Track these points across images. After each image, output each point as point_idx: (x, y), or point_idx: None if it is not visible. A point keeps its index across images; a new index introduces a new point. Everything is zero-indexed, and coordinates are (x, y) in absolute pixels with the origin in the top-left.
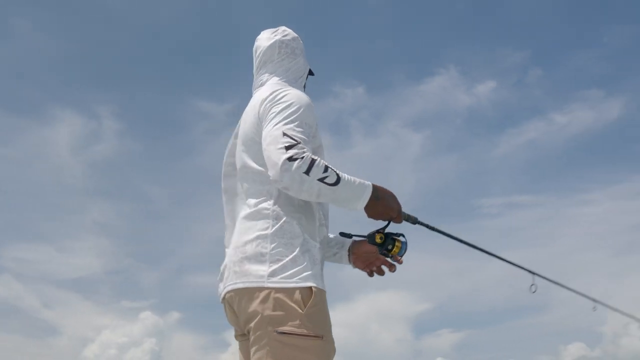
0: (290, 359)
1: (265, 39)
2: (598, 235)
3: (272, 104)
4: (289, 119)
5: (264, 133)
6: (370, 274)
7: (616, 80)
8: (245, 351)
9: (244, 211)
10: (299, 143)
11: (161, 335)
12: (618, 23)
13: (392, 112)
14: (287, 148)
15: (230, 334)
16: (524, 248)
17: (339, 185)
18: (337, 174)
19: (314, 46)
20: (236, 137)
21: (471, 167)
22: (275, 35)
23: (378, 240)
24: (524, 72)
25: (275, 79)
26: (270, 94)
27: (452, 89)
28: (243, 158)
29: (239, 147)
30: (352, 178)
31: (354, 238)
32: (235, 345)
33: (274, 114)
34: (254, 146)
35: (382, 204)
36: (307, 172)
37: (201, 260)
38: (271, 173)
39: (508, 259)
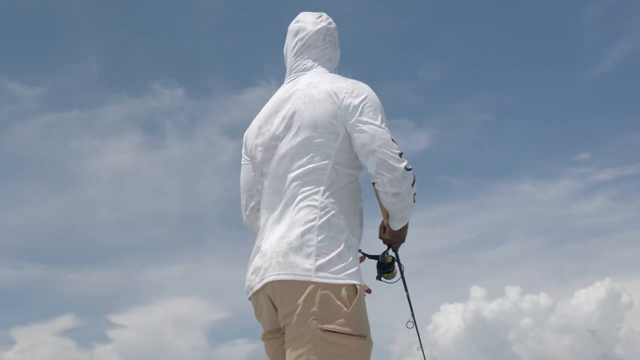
0: (334, 357)
1: (312, 22)
2: None
3: (364, 100)
4: (385, 122)
5: (365, 130)
6: None
7: (426, 113)
8: (274, 350)
9: (290, 200)
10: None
11: None
12: (434, 60)
13: (210, 117)
14: (401, 155)
15: (18, 331)
16: None
17: (414, 203)
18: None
19: (134, 41)
20: (268, 120)
21: None
22: (321, 21)
23: (389, 260)
24: None
25: (321, 69)
26: (351, 86)
27: None
28: (303, 144)
29: (297, 133)
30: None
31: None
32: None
33: (370, 112)
34: (326, 135)
35: (405, 230)
36: (412, 184)
37: None
38: (389, 175)
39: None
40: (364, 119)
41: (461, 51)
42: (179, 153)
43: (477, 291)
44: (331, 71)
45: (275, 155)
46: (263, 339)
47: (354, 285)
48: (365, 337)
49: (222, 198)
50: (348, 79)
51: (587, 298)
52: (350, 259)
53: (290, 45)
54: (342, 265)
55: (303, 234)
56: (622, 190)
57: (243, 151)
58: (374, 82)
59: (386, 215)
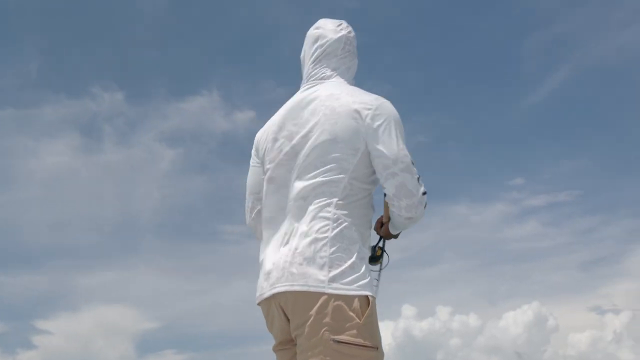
0: None
1: (332, 30)
2: None
3: (386, 120)
4: (404, 142)
5: (388, 152)
6: None
7: None
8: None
9: (302, 210)
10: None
11: None
12: (376, 79)
13: (149, 124)
14: (419, 179)
15: None
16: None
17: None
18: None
19: (76, 42)
20: (283, 126)
21: (219, 192)
22: (341, 30)
23: (378, 253)
24: None
25: (340, 79)
26: (374, 102)
27: (212, 111)
28: (321, 156)
29: (315, 144)
30: None
31: None
32: None
33: (392, 133)
34: (345, 150)
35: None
36: (425, 206)
37: None
38: (407, 201)
39: None
40: (386, 140)
41: (403, 72)
42: (116, 158)
43: (408, 310)
44: (349, 81)
45: (290, 163)
46: (275, 350)
47: (367, 296)
48: (377, 348)
49: (159, 206)
50: (370, 94)
51: (515, 320)
52: (363, 269)
53: (308, 51)
54: (355, 276)
55: (316, 245)
56: (553, 216)
57: (253, 153)
58: None
59: (388, 216)
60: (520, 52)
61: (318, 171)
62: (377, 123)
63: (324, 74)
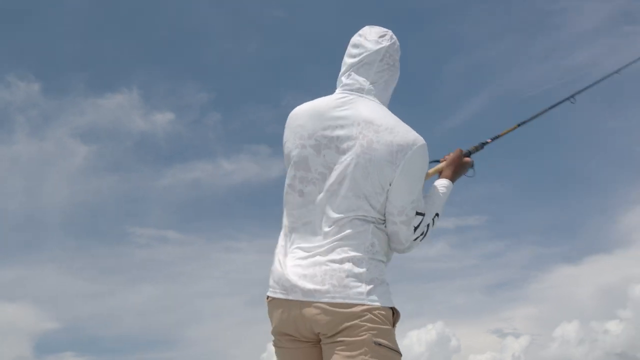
0: None
1: (373, 41)
2: (237, 282)
3: (415, 169)
4: (419, 190)
5: (397, 202)
6: None
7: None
8: (299, 357)
9: (337, 226)
10: (423, 216)
11: None
12: (299, 91)
13: (64, 118)
14: (416, 228)
15: None
16: (166, 283)
17: (433, 227)
18: (429, 223)
19: None
20: (313, 133)
21: (131, 192)
22: (382, 41)
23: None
24: (204, 113)
25: (376, 100)
26: (411, 147)
27: (130, 110)
28: (354, 189)
29: (350, 177)
30: (442, 201)
31: None
32: None
33: (412, 183)
34: (375, 189)
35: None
36: (420, 237)
37: None
38: (395, 245)
39: None
40: (403, 188)
41: (324, 87)
42: (27, 150)
43: None
44: (387, 100)
45: (320, 183)
46: (282, 344)
47: (392, 307)
48: (401, 354)
49: (67, 203)
50: (409, 131)
51: (419, 339)
52: (388, 284)
53: (347, 57)
54: (384, 290)
55: (353, 262)
56: (461, 239)
57: (285, 151)
58: (236, 105)
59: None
60: (441, 76)
61: (351, 203)
62: (405, 172)
63: (360, 86)
